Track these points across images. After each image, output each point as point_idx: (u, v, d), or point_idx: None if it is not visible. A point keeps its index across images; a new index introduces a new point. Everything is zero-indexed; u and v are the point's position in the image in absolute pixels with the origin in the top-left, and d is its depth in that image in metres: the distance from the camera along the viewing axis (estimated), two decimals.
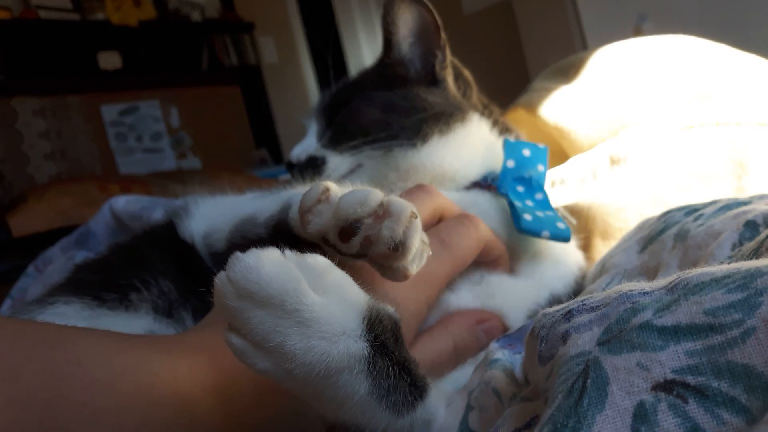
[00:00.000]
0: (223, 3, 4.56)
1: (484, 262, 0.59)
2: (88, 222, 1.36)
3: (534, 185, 0.67)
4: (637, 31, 2.89)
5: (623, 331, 0.28)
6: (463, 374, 0.54)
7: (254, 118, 4.59)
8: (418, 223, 0.41)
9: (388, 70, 0.77)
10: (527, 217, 0.61)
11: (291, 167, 0.74)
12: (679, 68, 0.84)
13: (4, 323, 0.42)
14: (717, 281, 0.27)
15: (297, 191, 0.55)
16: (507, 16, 3.91)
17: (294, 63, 4.80)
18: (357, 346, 0.36)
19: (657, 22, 2.88)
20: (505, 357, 0.47)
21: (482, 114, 0.76)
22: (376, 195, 0.41)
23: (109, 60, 3.86)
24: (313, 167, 0.70)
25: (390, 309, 0.39)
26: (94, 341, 0.42)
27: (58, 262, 1.30)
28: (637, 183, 0.72)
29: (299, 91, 4.74)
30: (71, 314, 0.55)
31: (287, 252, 0.36)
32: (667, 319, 0.27)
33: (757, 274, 0.26)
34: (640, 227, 0.61)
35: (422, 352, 0.51)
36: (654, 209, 0.68)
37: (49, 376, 0.38)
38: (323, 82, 4.40)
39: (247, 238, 0.54)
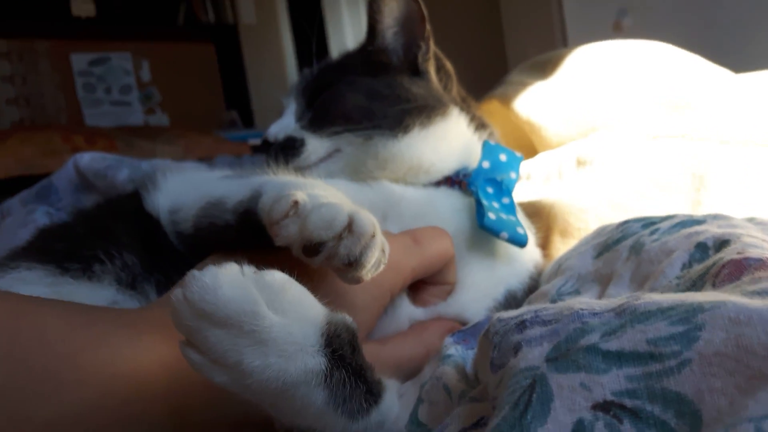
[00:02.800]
0: None
1: (432, 284, 0.61)
2: (51, 176, 1.33)
3: (504, 189, 0.68)
4: (617, 26, 2.92)
5: (570, 350, 0.30)
6: None
7: (227, 79, 4.50)
8: (377, 241, 0.43)
9: (371, 56, 0.77)
10: (491, 215, 0.62)
11: (267, 146, 0.73)
12: (653, 77, 0.85)
13: None
14: (662, 312, 0.29)
15: (268, 178, 0.55)
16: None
17: (272, 26, 4.70)
18: (314, 362, 0.37)
19: (637, 17, 2.91)
20: (458, 353, 0.49)
21: (461, 108, 0.77)
22: (343, 217, 0.41)
23: (83, 7, 3.72)
24: (291, 148, 0.70)
25: (348, 319, 0.40)
26: (58, 314, 0.42)
27: (17, 214, 1.28)
28: (600, 186, 0.74)
29: (276, 54, 4.65)
30: (33, 280, 0.55)
31: (245, 268, 0.36)
32: (612, 344, 0.29)
33: (698, 309, 0.28)
34: (599, 233, 0.63)
35: (392, 354, 0.53)
36: (614, 213, 0.70)
37: (12, 347, 0.39)
38: (301, 48, 4.33)
39: (214, 224, 0.54)
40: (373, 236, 0.42)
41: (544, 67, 1.02)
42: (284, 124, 0.74)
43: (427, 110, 0.71)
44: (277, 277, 0.37)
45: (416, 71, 0.77)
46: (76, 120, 3.77)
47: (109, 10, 3.87)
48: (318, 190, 0.47)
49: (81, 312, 0.44)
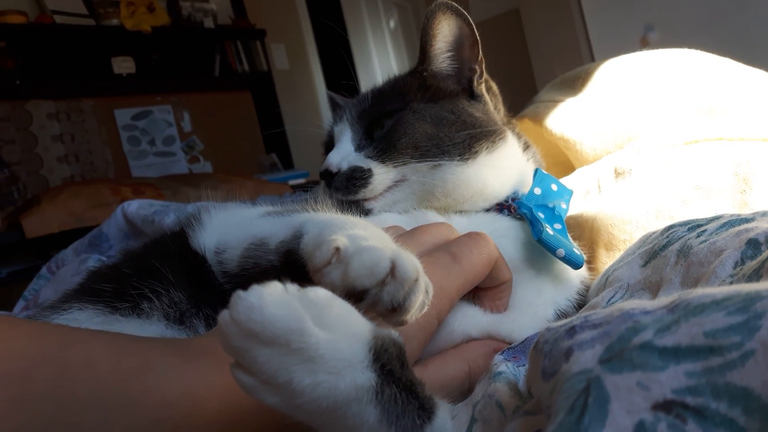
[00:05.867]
0: (235, 10, 4.59)
1: (489, 288, 0.60)
2: (101, 225, 1.38)
3: (555, 215, 0.68)
4: (644, 41, 2.89)
5: (624, 350, 0.29)
6: None
7: (264, 123, 4.62)
8: (421, 284, 0.42)
9: (426, 81, 0.76)
10: (549, 230, 0.62)
11: (329, 176, 0.71)
12: (684, 83, 0.84)
13: (19, 324, 0.43)
14: (717, 303, 0.28)
15: (309, 217, 0.54)
16: (514, 24, 3.95)
17: (304, 70, 4.82)
18: (364, 377, 0.36)
19: (663, 31, 2.88)
20: (509, 370, 0.48)
21: (512, 131, 0.77)
22: (385, 263, 0.41)
23: (123, 65, 3.88)
24: (358, 178, 0.69)
25: (394, 334, 0.40)
26: (106, 343, 0.43)
27: (70, 264, 1.32)
28: (641, 196, 0.73)
29: (309, 97, 4.77)
30: (84, 320, 0.56)
31: (289, 286, 0.36)
32: (668, 340, 0.28)
33: (756, 297, 0.27)
34: (644, 241, 0.62)
35: (435, 375, 0.52)
36: (657, 222, 0.69)
37: (61, 376, 0.39)
38: (333, 88, 4.43)
39: (258, 263, 0.54)
40: (417, 280, 0.41)
41: (574, 83, 1.02)
42: (344, 153, 0.72)
43: (492, 135, 0.71)
44: (320, 293, 0.37)
45: (472, 94, 0.77)
46: (123, 173, 3.90)
47: (149, 66, 4.03)
48: (359, 230, 0.46)
49: (129, 341, 0.44)
